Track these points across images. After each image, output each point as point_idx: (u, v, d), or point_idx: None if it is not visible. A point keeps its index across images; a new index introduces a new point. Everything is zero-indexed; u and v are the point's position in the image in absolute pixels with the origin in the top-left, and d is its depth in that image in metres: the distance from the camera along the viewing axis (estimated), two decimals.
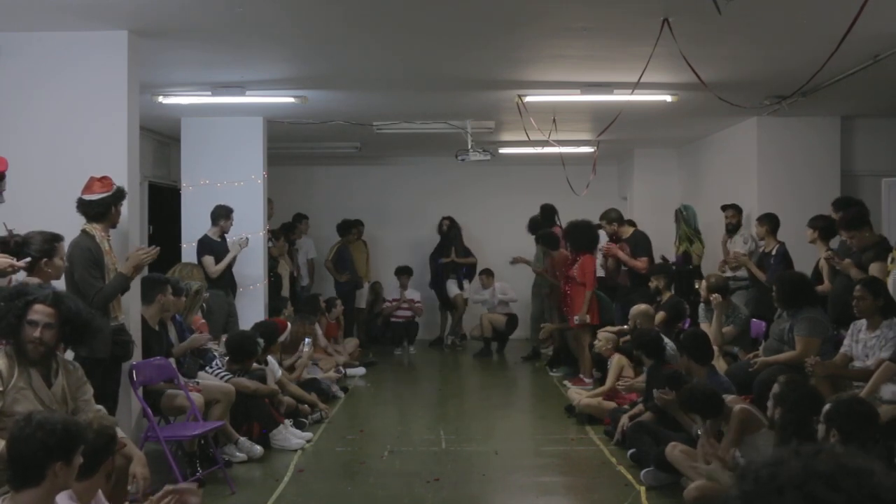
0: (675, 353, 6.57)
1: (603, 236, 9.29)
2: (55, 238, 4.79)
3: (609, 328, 7.97)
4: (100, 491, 3.41)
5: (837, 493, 1.22)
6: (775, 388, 4.43)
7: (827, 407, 3.86)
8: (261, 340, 7.03)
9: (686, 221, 9.49)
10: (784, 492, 1.24)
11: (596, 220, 9.33)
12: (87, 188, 5.21)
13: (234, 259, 8.47)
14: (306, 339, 8.50)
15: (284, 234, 10.73)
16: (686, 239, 9.43)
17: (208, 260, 8.29)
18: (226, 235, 8.51)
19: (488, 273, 11.77)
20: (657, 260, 9.24)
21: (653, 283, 7.93)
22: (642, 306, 7.23)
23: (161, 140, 10.15)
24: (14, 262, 4.30)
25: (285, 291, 10.01)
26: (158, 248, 5.29)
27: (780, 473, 1.26)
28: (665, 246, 10.98)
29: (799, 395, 4.23)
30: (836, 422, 3.74)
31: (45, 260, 4.61)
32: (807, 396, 4.23)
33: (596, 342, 7.74)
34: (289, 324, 8.32)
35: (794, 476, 1.25)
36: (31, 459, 2.91)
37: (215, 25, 5.60)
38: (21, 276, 4.43)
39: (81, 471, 3.37)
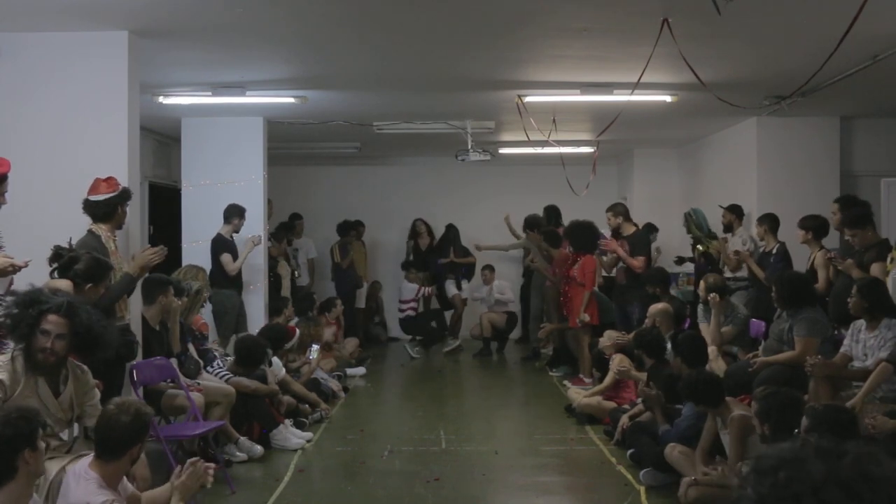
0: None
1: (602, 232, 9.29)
2: (109, 267, 4.82)
3: (613, 332, 7.96)
4: (125, 478, 3.44)
5: (856, 501, 1.17)
6: (754, 406, 4.41)
7: (805, 422, 3.83)
8: (269, 351, 7.11)
9: (697, 225, 9.48)
10: (801, 498, 1.18)
11: (597, 220, 9.32)
12: (94, 189, 5.22)
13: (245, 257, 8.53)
14: (314, 346, 8.51)
15: (285, 235, 10.77)
16: (699, 242, 9.39)
17: (227, 258, 8.34)
18: (234, 235, 8.55)
19: (490, 269, 11.78)
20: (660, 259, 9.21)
21: (650, 290, 7.92)
22: (661, 305, 7.22)
23: (161, 140, 10.16)
24: (15, 261, 4.29)
25: (285, 291, 10.02)
26: (166, 248, 5.29)
27: (799, 479, 1.20)
28: (665, 245, 11.01)
29: (779, 404, 4.22)
30: (816, 432, 3.72)
31: (89, 286, 4.60)
32: (787, 403, 4.21)
33: (601, 339, 7.75)
34: (297, 330, 8.34)
35: (814, 481, 1.19)
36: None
37: (215, 25, 5.60)
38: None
39: (108, 452, 3.42)
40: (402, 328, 12.02)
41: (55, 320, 3.74)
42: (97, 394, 4.05)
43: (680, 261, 10.10)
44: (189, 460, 3.60)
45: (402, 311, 11.94)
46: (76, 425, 4.11)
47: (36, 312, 3.72)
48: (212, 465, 3.57)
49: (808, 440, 1.28)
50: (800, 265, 7.54)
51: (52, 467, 3.58)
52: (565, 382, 8.91)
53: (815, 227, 7.03)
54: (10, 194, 4.72)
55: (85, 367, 4.05)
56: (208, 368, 6.57)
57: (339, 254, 11.71)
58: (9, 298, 3.89)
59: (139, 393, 5.50)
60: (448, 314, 12.21)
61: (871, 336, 5.33)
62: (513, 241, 11.63)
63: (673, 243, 10.56)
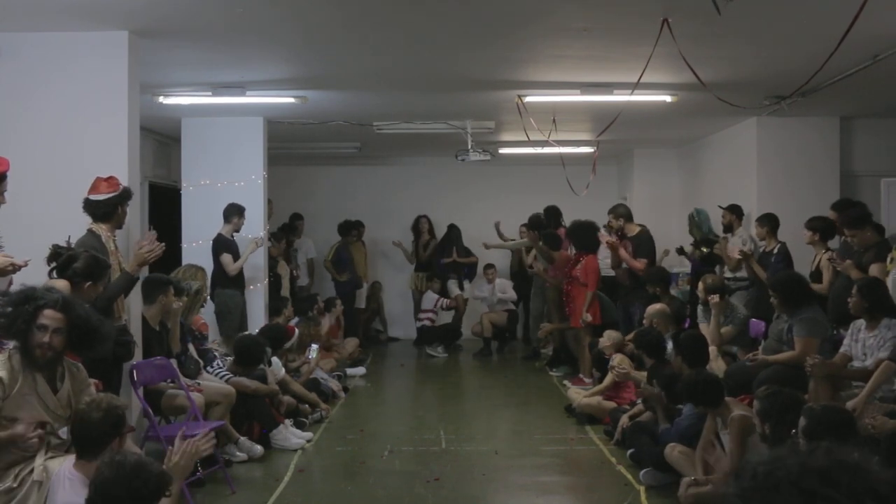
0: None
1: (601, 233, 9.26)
2: (107, 266, 4.83)
3: (613, 332, 7.96)
4: None
5: (833, 487, 1.22)
6: (756, 404, 4.42)
7: (802, 422, 3.83)
8: (269, 350, 7.10)
9: (699, 226, 9.45)
10: (781, 488, 1.24)
11: (597, 220, 9.31)
12: (94, 188, 5.22)
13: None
14: (313, 345, 8.51)
15: (286, 236, 10.77)
16: (704, 244, 9.36)
17: (227, 258, 8.32)
18: (234, 234, 8.55)
19: (493, 268, 11.79)
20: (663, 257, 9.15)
21: (650, 290, 7.92)
22: (658, 305, 7.23)
23: (161, 140, 10.16)
24: (15, 260, 4.29)
25: (285, 291, 10.03)
26: (163, 244, 5.29)
27: (777, 471, 1.27)
28: (665, 246, 10.99)
29: (781, 404, 4.23)
30: (813, 433, 3.71)
31: (88, 284, 4.62)
32: (789, 404, 4.21)
33: (601, 339, 7.75)
34: (297, 330, 8.34)
35: (791, 472, 1.25)
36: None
37: (215, 25, 5.61)
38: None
39: (87, 451, 3.40)
40: (419, 337, 11.98)
41: (52, 315, 3.73)
42: (93, 391, 4.04)
43: (681, 250, 10.02)
44: (177, 436, 3.55)
45: (419, 319, 11.94)
46: None
47: (32, 308, 3.71)
48: (198, 435, 3.52)
49: (791, 444, 1.35)
50: (800, 265, 7.55)
51: (54, 466, 3.58)
52: (565, 382, 8.91)
53: (822, 228, 7.04)
54: (10, 194, 4.72)
55: (80, 366, 4.05)
56: (208, 368, 6.57)
57: (333, 264, 11.69)
58: (3, 298, 3.89)
59: (139, 393, 5.51)
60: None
61: (871, 336, 5.33)
62: (510, 241, 11.73)
63: (671, 242, 10.54)
